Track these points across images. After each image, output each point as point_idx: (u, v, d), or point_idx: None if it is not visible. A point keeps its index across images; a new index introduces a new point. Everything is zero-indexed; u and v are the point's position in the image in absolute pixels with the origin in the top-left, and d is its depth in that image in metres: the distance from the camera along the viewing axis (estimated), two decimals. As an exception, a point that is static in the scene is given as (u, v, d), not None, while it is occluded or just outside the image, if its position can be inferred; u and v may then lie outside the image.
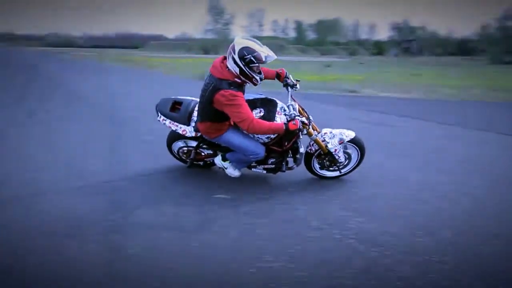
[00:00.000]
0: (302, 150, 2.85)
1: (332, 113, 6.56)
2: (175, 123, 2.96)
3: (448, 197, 2.85)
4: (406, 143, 4.57)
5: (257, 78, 2.59)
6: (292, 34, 74.65)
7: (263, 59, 2.47)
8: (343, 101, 8.04)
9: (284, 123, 2.59)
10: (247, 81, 2.59)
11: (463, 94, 9.53)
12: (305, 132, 2.76)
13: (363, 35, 74.64)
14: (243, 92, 2.66)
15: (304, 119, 2.70)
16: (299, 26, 73.84)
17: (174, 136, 3.14)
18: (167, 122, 2.99)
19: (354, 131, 2.99)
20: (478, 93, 9.63)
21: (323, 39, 68.68)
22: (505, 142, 4.74)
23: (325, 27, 69.92)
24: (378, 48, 64.06)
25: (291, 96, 2.88)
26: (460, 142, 4.65)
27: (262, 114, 2.77)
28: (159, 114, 3.05)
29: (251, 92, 2.97)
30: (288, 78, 2.93)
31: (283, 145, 2.84)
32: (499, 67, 25.64)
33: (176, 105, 3.07)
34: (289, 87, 2.92)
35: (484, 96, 9.12)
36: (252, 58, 2.45)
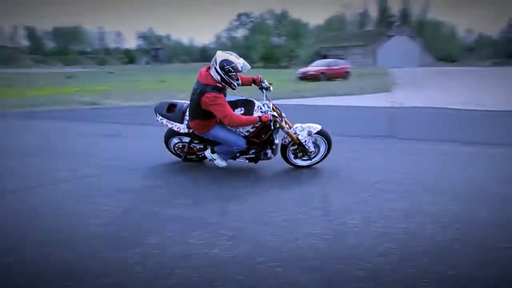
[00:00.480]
0: (277, 141, 3.56)
1: (58, 130, 6.01)
2: (171, 122, 3.58)
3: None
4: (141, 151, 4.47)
5: (235, 83, 3.27)
6: (25, 42, 61.21)
7: (240, 69, 3.17)
8: (79, 115, 7.57)
9: (258, 116, 3.28)
10: (227, 86, 3.25)
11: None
12: (278, 125, 3.43)
13: (111, 44, 71.57)
14: (225, 94, 3.32)
15: (275, 114, 3.35)
16: (31, 34, 61.53)
17: (170, 134, 3.77)
18: (164, 121, 3.62)
19: (320, 125, 3.66)
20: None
21: (65, 48, 60.54)
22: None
23: (65, 35, 61.89)
24: (129, 57, 64.07)
25: (266, 96, 3.54)
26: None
27: (242, 112, 3.42)
28: (158, 114, 3.65)
29: (234, 95, 3.60)
30: (263, 82, 3.56)
31: (260, 137, 3.49)
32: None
33: (172, 107, 3.66)
34: (263, 90, 3.57)
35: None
36: (230, 68, 3.13)
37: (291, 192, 3.18)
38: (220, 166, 3.60)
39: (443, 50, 47.42)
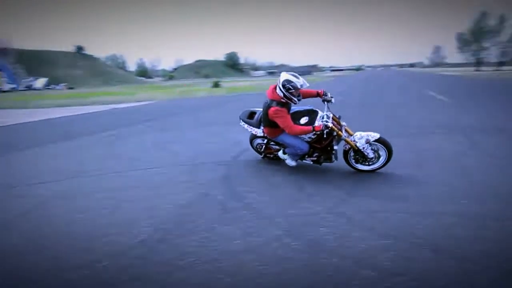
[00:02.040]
0: (336, 147, 4.03)
1: None
2: (250, 127, 4.57)
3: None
4: None
5: (295, 99, 3.94)
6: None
7: (299, 87, 3.86)
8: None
9: (312, 126, 3.83)
10: (289, 101, 3.94)
11: None
12: (335, 133, 3.90)
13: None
14: (288, 108, 4.00)
15: (330, 124, 3.76)
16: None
17: (254, 136, 4.69)
18: (246, 126, 4.64)
19: (378, 133, 4.00)
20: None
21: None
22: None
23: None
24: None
25: (328, 107, 4.12)
26: None
27: (307, 120, 4.06)
28: (241, 120, 4.69)
29: (303, 105, 4.26)
30: (326, 95, 4.17)
31: (321, 143, 4.08)
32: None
33: (252, 114, 4.65)
34: (326, 102, 4.17)
35: None
36: (290, 87, 3.83)
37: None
38: (290, 165, 4.33)
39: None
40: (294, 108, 4.21)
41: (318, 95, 4.24)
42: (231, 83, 40.44)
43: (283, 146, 4.37)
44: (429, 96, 14.13)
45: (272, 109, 3.88)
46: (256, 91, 22.25)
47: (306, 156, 4.26)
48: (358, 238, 2.59)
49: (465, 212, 2.94)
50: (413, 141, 5.71)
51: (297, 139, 4.07)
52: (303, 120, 4.08)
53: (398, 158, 4.27)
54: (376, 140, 3.97)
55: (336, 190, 3.61)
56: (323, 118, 3.94)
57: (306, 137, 4.06)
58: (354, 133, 4.09)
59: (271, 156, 4.77)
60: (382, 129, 6.51)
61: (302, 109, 4.20)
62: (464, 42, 63.39)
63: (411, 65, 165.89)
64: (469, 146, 5.25)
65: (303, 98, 4.22)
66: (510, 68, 52.35)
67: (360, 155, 4.07)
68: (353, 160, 4.15)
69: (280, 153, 4.51)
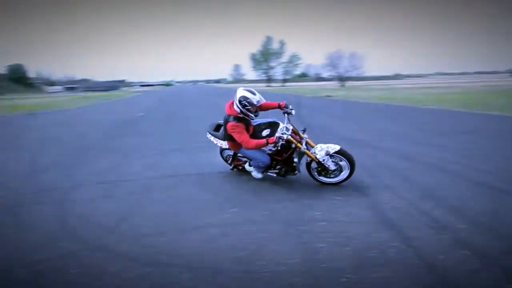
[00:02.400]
0: (296, 160, 3.97)
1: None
2: (216, 139, 4.58)
3: None
4: None
5: (252, 115, 3.97)
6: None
7: (255, 103, 3.88)
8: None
9: (266, 138, 3.79)
10: (245, 117, 3.93)
11: None
12: (293, 145, 3.87)
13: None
14: (246, 123, 3.96)
15: (285, 136, 3.72)
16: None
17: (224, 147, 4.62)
18: (212, 138, 4.66)
19: (339, 145, 3.95)
20: None
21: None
22: None
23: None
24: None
25: (288, 119, 4.06)
26: None
27: (268, 132, 4.01)
28: (208, 132, 4.70)
29: (265, 117, 4.24)
30: (287, 107, 4.06)
31: (282, 155, 4.05)
32: None
33: (219, 126, 4.68)
34: (286, 114, 4.08)
35: None
36: (246, 103, 3.85)
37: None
38: (256, 177, 4.31)
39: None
40: (257, 120, 4.19)
41: (279, 107, 4.16)
42: (18, 100, 34.14)
43: (249, 158, 4.32)
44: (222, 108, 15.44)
45: (229, 124, 3.93)
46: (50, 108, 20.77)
47: (270, 169, 4.22)
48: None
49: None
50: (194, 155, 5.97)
51: (258, 151, 4.04)
52: (265, 132, 4.04)
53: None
54: (336, 152, 3.91)
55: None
56: (282, 130, 3.89)
57: (267, 149, 4.02)
58: (316, 145, 4.05)
59: (240, 168, 4.72)
60: (176, 143, 6.98)
61: (265, 121, 4.17)
62: (256, 62, 73.41)
63: (217, 81, 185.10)
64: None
65: (264, 110, 4.22)
66: (292, 84, 67.72)
67: (322, 168, 4.01)
68: (316, 173, 4.08)
69: (246, 165, 4.51)
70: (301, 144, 3.94)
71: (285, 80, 72.91)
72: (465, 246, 2.60)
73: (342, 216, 3.24)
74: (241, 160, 4.63)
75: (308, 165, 4.09)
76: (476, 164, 4.80)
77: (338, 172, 4.03)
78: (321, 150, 3.95)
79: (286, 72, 72.46)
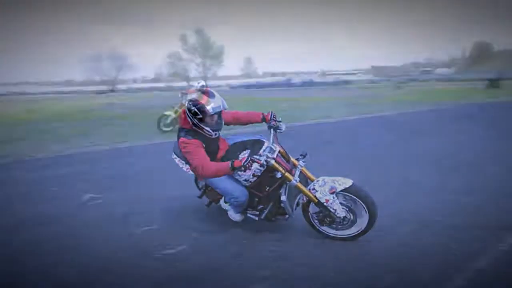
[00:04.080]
0: (283, 198, 2.53)
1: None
2: (182, 162, 3.00)
3: None
4: None
5: (208, 130, 2.57)
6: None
7: (210, 111, 2.45)
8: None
9: (231, 161, 2.41)
10: (201, 132, 2.57)
11: None
12: (279, 175, 2.49)
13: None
14: (207, 140, 2.61)
15: (263, 159, 2.38)
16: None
17: None
18: (177, 160, 3.06)
19: (351, 180, 2.52)
20: None
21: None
22: None
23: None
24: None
25: (274, 137, 2.74)
26: None
27: (246, 155, 2.63)
28: (173, 153, 3.10)
29: (250, 133, 3.04)
30: (272, 120, 2.80)
31: (263, 190, 2.64)
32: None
33: None
34: (271, 129, 2.79)
35: None
36: (196, 110, 2.48)
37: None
38: (234, 219, 2.89)
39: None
40: (238, 138, 2.92)
41: (263, 119, 2.87)
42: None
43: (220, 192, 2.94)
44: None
45: (180, 140, 2.58)
46: None
47: (249, 208, 2.82)
48: None
49: None
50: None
51: (229, 183, 2.66)
52: (244, 154, 2.70)
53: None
54: (346, 190, 2.49)
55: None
56: (266, 150, 2.54)
57: (242, 179, 2.66)
58: (317, 178, 2.64)
59: (217, 203, 3.23)
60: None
61: (246, 140, 2.84)
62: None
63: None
64: None
65: (243, 124, 2.98)
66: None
67: (325, 213, 2.57)
68: (317, 221, 2.65)
69: (221, 202, 3.07)
70: (292, 175, 2.56)
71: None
72: None
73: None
74: (219, 194, 3.15)
75: (305, 207, 2.67)
76: None
77: (350, 222, 2.58)
78: (323, 186, 2.53)
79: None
